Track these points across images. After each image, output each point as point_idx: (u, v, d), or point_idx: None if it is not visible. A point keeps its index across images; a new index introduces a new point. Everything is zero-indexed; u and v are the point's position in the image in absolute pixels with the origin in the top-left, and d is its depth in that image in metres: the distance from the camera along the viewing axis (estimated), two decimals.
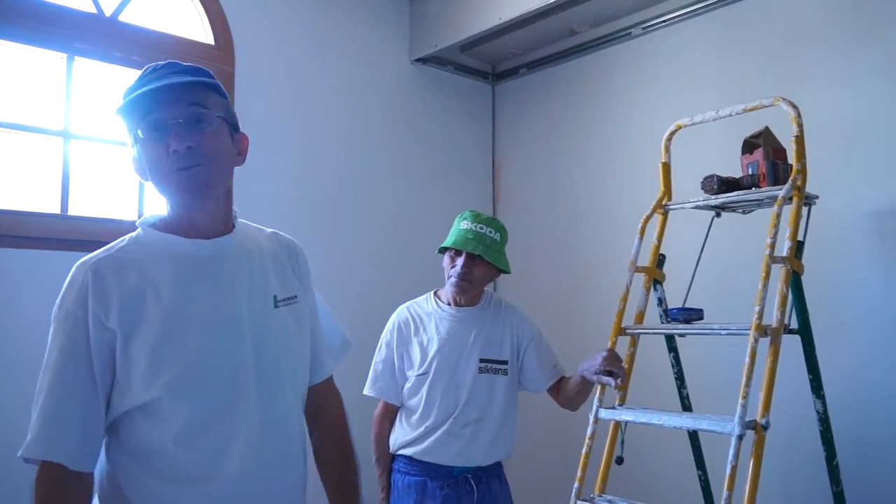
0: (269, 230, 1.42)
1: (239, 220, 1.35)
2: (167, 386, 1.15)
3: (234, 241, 1.30)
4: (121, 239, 1.26)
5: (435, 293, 2.28)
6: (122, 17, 2.74)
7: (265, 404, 1.25)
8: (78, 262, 1.21)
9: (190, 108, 1.20)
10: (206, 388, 1.19)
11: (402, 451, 2.16)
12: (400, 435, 2.17)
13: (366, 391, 2.23)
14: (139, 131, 1.20)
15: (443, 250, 2.19)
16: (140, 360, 1.15)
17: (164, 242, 1.24)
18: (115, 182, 2.71)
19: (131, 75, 2.69)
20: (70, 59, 2.58)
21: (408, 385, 2.17)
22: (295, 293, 1.35)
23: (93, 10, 2.67)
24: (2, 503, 2.23)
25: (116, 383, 1.17)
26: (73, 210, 2.55)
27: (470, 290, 2.16)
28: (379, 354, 2.24)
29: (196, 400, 1.18)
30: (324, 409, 1.47)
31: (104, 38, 2.65)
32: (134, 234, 1.28)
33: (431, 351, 2.14)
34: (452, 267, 2.14)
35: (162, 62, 1.26)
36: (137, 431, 1.19)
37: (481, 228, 2.14)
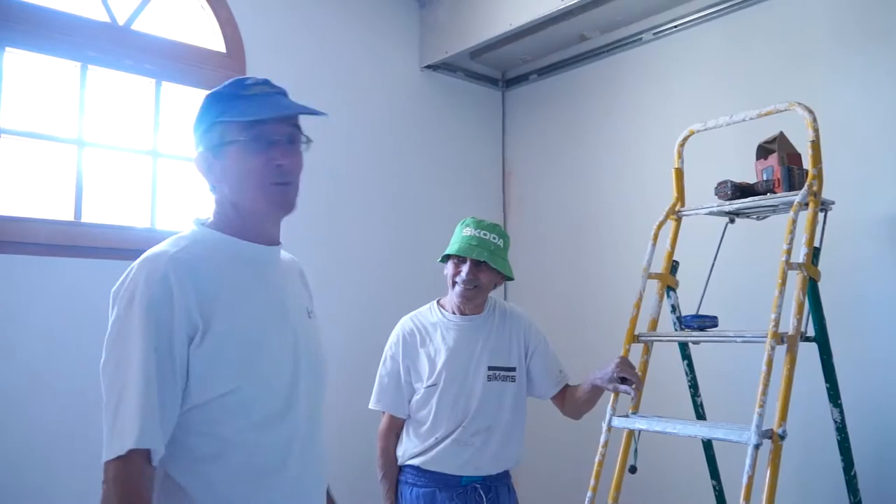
0: (287, 254, 1.49)
1: None
2: (248, 374, 1.20)
3: (281, 254, 1.40)
4: (179, 236, 1.29)
5: (438, 302, 2.24)
6: (135, 26, 2.76)
7: (311, 404, 1.32)
8: (149, 257, 1.21)
9: (292, 128, 1.30)
10: (279, 377, 1.25)
11: (409, 462, 2.12)
12: (408, 447, 2.13)
13: (371, 405, 2.18)
14: (244, 138, 1.24)
15: (445, 258, 2.15)
16: (219, 350, 1.18)
17: (226, 242, 1.29)
18: (129, 189, 2.72)
19: (143, 83, 2.75)
20: (84, 68, 2.60)
21: (416, 397, 2.12)
22: (313, 310, 1.44)
23: (106, 19, 2.69)
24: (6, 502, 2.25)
25: (193, 374, 1.18)
26: (87, 217, 2.56)
27: (476, 298, 2.13)
28: (384, 367, 2.19)
29: (272, 387, 1.24)
30: None
31: (117, 46, 2.66)
32: (189, 232, 1.30)
33: (440, 362, 2.10)
34: (457, 274, 2.10)
35: (258, 78, 1.34)
36: (214, 424, 1.19)
37: (485, 234, 2.10)
